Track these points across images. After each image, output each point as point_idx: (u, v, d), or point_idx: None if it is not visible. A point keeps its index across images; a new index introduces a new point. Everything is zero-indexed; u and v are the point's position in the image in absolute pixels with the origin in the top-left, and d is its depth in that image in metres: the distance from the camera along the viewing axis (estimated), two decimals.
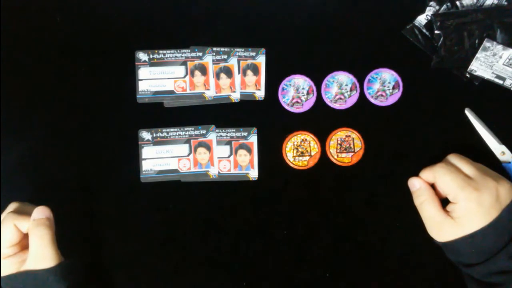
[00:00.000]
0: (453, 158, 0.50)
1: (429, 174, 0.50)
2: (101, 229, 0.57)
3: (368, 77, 0.57)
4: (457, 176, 0.47)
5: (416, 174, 0.54)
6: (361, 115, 0.57)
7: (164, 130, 0.57)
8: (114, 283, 0.56)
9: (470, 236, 0.46)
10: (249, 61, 0.58)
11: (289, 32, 0.58)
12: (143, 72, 0.57)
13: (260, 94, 0.58)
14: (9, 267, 0.47)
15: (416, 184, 0.51)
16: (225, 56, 0.58)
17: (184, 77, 0.58)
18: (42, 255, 0.46)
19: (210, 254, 0.57)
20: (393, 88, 0.57)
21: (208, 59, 0.58)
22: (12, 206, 0.50)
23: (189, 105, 0.58)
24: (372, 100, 0.57)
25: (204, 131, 0.57)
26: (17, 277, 0.46)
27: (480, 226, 0.45)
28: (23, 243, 0.48)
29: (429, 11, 0.57)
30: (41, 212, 0.48)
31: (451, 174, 0.48)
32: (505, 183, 0.47)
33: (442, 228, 0.48)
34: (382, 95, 0.57)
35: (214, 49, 0.58)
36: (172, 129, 0.57)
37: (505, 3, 0.56)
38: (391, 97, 0.57)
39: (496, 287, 0.46)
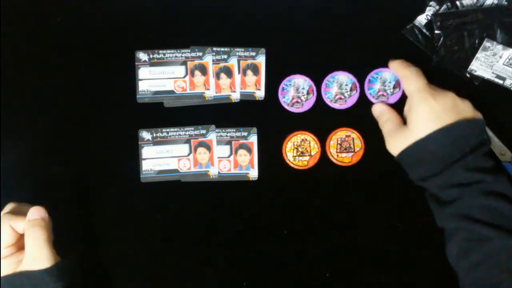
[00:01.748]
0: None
1: (399, 69, 0.51)
2: (101, 229, 0.57)
3: (369, 77, 0.57)
4: (420, 80, 0.49)
5: None
6: (361, 115, 0.57)
7: (164, 130, 0.57)
8: (114, 283, 0.56)
9: (423, 140, 0.46)
10: (249, 61, 0.58)
11: (289, 32, 0.58)
12: (143, 72, 0.57)
13: (260, 94, 0.58)
14: (6, 268, 0.47)
15: (377, 109, 0.54)
16: (225, 56, 0.58)
17: (184, 77, 0.58)
18: (38, 256, 0.46)
19: (210, 254, 0.57)
20: (394, 87, 0.57)
21: (208, 59, 0.58)
22: (9, 206, 0.49)
23: (189, 105, 0.58)
24: (374, 100, 0.57)
25: (204, 131, 0.57)
26: (13, 277, 0.46)
27: (432, 130, 0.46)
28: (20, 244, 0.48)
29: (429, 11, 0.57)
30: (36, 213, 0.47)
31: (416, 77, 0.49)
32: (468, 102, 0.48)
33: (396, 137, 0.49)
34: (383, 95, 0.57)
35: (214, 49, 0.58)
36: (172, 129, 0.57)
37: (505, 3, 0.56)
38: (392, 97, 0.57)
39: (453, 202, 0.46)
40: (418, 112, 0.47)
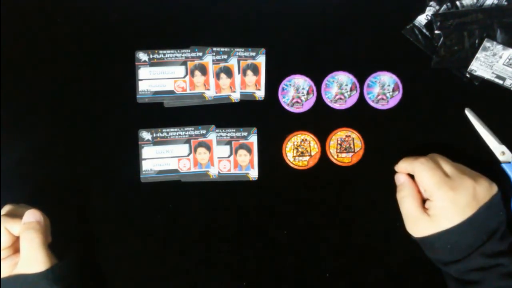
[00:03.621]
0: (434, 156, 0.51)
1: (408, 166, 0.51)
2: (101, 229, 0.57)
3: (367, 81, 0.57)
4: (435, 173, 0.48)
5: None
6: (361, 115, 0.57)
7: (164, 130, 0.57)
8: (114, 283, 0.56)
9: (446, 233, 0.46)
10: (249, 61, 0.58)
11: (289, 32, 0.58)
12: (143, 72, 0.57)
13: (260, 94, 0.58)
14: (2, 270, 0.47)
15: (400, 179, 0.52)
16: (225, 56, 0.58)
17: (184, 77, 0.58)
18: (33, 259, 0.45)
19: (210, 254, 0.57)
20: (393, 90, 0.57)
21: (208, 59, 0.58)
22: (6, 208, 0.49)
23: (189, 105, 0.58)
24: (373, 105, 0.57)
25: (204, 131, 0.57)
26: (8, 280, 0.46)
27: (456, 223, 0.46)
28: (16, 246, 0.48)
29: (429, 11, 0.57)
30: (31, 216, 0.47)
31: (429, 171, 0.48)
32: (483, 182, 0.47)
33: (418, 224, 0.49)
34: (383, 99, 0.57)
35: (214, 49, 0.58)
36: (172, 129, 0.57)
37: (505, 3, 0.56)
38: (392, 100, 0.57)
39: (474, 284, 0.46)
40: (441, 207, 0.47)
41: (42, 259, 0.45)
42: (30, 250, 0.46)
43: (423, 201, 0.50)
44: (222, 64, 0.58)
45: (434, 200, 0.47)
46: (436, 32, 0.56)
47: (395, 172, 0.55)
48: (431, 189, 0.47)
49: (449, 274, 0.49)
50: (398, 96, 0.57)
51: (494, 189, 0.48)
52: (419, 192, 0.50)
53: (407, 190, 0.50)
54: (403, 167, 0.51)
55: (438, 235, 0.47)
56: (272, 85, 0.58)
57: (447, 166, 0.49)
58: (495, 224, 0.47)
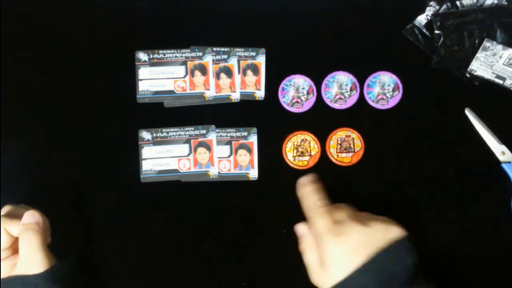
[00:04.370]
0: (337, 205, 0.49)
1: (301, 227, 0.49)
2: (101, 229, 0.57)
3: (367, 81, 0.57)
4: (322, 220, 0.46)
5: (415, 173, 0.54)
6: (361, 115, 0.57)
7: (164, 130, 0.57)
8: (114, 283, 0.56)
9: (341, 284, 0.43)
10: (249, 61, 0.58)
11: (289, 32, 0.58)
12: (143, 72, 0.57)
13: (260, 94, 0.58)
14: (2, 271, 0.47)
15: (299, 230, 0.50)
16: (225, 56, 0.58)
17: (184, 77, 0.58)
18: (31, 260, 0.45)
19: (210, 254, 0.57)
20: (393, 90, 0.57)
21: (208, 59, 0.58)
22: (5, 209, 0.49)
23: (189, 105, 0.58)
24: (373, 104, 0.57)
25: (204, 131, 0.57)
26: (7, 281, 0.46)
27: (347, 272, 0.42)
28: (15, 247, 0.48)
29: (429, 11, 0.57)
30: (30, 217, 0.47)
31: (318, 218, 0.46)
32: (378, 226, 0.44)
33: (317, 277, 0.46)
34: (383, 99, 0.57)
35: (214, 49, 0.58)
36: (172, 129, 0.57)
37: (505, 3, 0.56)
38: (392, 100, 0.57)
39: None
40: (328, 254, 0.44)
41: (41, 260, 0.45)
42: (29, 251, 0.45)
43: None
44: (222, 64, 0.58)
45: (322, 248, 0.44)
46: (436, 32, 0.56)
47: (395, 172, 0.56)
48: (319, 238, 0.45)
49: None
50: (398, 96, 0.57)
51: (394, 233, 0.44)
52: None
53: (307, 242, 0.48)
54: (301, 227, 0.49)
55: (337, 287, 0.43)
56: (272, 85, 0.58)
57: (339, 214, 0.46)
58: (398, 270, 0.42)
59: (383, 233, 0.44)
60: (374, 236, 0.43)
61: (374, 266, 0.42)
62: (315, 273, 0.47)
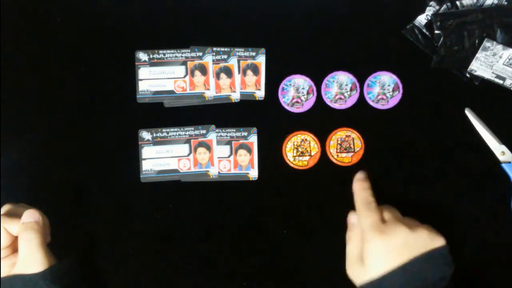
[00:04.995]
0: (385, 206, 0.50)
1: (353, 217, 0.50)
2: (101, 229, 0.57)
3: (367, 81, 0.57)
4: (370, 216, 0.47)
5: (415, 173, 0.54)
6: (361, 115, 0.57)
7: (164, 130, 0.57)
8: (114, 283, 0.56)
9: (377, 281, 0.44)
10: (249, 61, 0.58)
11: (289, 32, 0.58)
12: (143, 72, 0.57)
13: (260, 94, 0.58)
14: (1, 270, 0.47)
15: (351, 219, 0.51)
16: (225, 56, 0.58)
17: (184, 77, 0.58)
18: (31, 259, 0.45)
19: (210, 254, 0.57)
20: (393, 90, 0.57)
21: (208, 59, 0.58)
22: (4, 208, 0.49)
23: (189, 105, 0.58)
24: (373, 104, 0.57)
25: (204, 131, 0.57)
26: (7, 280, 0.46)
27: (386, 271, 0.43)
28: (14, 246, 0.48)
29: (429, 11, 0.57)
30: (30, 216, 0.47)
31: (367, 213, 0.47)
32: (423, 233, 0.45)
33: (355, 269, 0.47)
34: (383, 99, 0.57)
35: (214, 49, 0.58)
36: (172, 129, 0.57)
37: (505, 3, 0.56)
38: (392, 100, 0.57)
39: None
40: (369, 252, 0.45)
41: (41, 259, 0.45)
42: (28, 250, 0.46)
43: None
44: (222, 64, 0.58)
45: (365, 242, 0.46)
46: (436, 32, 0.56)
47: (395, 172, 0.56)
48: (364, 232, 0.46)
49: None
50: (398, 96, 0.57)
51: (438, 242, 0.45)
52: None
53: (354, 231, 0.49)
54: (352, 219, 0.51)
55: (371, 283, 0.44)
56: (272, 85, 0.58)
57: (387, 214, 0.47)
58: (434, 279, 0.43)
59: (426, 240, 0.44)
60: (417, 241, 0.44)
61: (413, 270, 0.43)
62: (352, 265, 0.48)
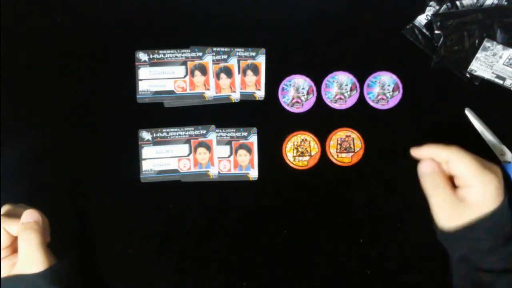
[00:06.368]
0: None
1: (439, 152, 0.47)
2: (101, 229, 0.57)
3: (367, 81, 0.57)
4: (474, 159, 0.46)
5: (415, 174, 0.54)
6: (361, 115, 0.57)
7: (164, 130, 0.57)
8: (114, 283, 0.56)
9: (490, 215, 0.44)
10: (249, 61, 0.58)
11: (289, 32, 0.58)
12: (143, 72, 0.57)
13: (260, 94, 0.58)
14: (1, 270, 0.47)
15: (430, 166, 0.48)
16: (225, 56, 0.58)
17: (184, 77, 0.58)
18: (31, 259, 0.45)
19: (210, 254, 0.57)
20: (393, 90, 0.57)
21: (208, 59, 0.58)
22: (4, 208, 0.49)
23: (189, 105, 0.58)
24: (373, 104, 0.57)
25: (204, 131, 0.57)
26: (7, 281, 0.46)
27: (494, 207, 0.44)
28: (14, 246, 0.48)
29: (429, 11, 0.57)
30: (29, 216, 0.47)
31: (468, 156, 0.46)
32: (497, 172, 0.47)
33: (456, 213, 0.46)
34: (383, 99, 0.57)
35: (214, 49, 0.58)
36: (172, 129, 0.57)
37: (505, 3, 0.56)
38: (392, 100, 0.57)
39: (508, 273, 0.45)
40: (484, 191, 0.45)
41: (40, 259, 0.45)
42: (28, 250, 0.46)
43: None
44: (222, 64, 0.58)
45: (475, 185, 0.45)
46: (436, 32, 0.56)
47: (394, 172, 0.56)
48: (471, 175, 0.45)
49: (475, 267, 0.46)
50: (398, 96, 0.57)
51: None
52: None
53: (439, 179, 0.47)
54: (428, 154, 0.48)
55: (483, 220, 0.44)
56: (272, 85, 0.58)
57: (474, 155, 0.47)
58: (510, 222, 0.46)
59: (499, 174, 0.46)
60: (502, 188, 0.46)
61: (505, 210, 0.45)
62: (453, 210, 0.46)
